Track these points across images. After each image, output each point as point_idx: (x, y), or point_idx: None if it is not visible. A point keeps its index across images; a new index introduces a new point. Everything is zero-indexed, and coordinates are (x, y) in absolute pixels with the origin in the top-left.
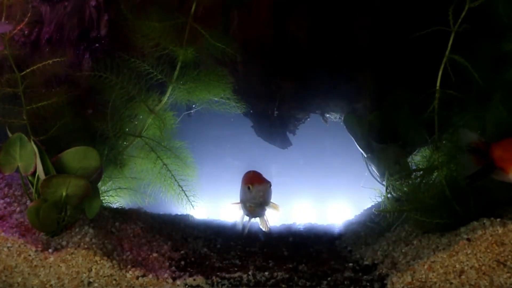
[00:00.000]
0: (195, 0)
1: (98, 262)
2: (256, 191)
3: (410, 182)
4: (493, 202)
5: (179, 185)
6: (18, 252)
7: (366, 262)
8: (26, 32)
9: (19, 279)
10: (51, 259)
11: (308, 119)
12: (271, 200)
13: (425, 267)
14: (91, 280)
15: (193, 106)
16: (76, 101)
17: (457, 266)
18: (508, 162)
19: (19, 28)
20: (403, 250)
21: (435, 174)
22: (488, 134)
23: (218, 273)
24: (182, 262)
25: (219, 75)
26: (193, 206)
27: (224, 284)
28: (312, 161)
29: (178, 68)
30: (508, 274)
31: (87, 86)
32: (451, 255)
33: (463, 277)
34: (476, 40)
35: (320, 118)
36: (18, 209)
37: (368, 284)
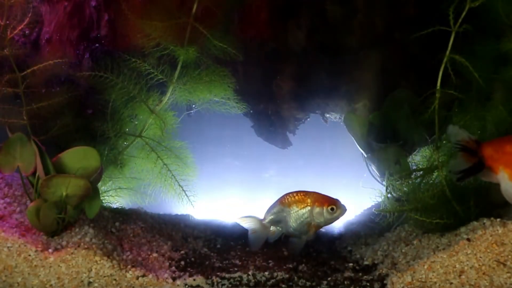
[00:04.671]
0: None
1: (98, 262)
2: (340, 211)
3: (410, 182)
4: (493, 203)
5: (179, 185)
6: (18, 252)
7: (366, 262)
8: (26, 32)
9: (19, 279)
10: (51, 259)
11: (308, 119)
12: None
13: (425, 267)
14: (91, 280)
15: (193, 106)
16: (76, 101)
17: (457, 266)
18: (497, 161)
19: (19, 28)
20: (403, 250)
21: (435, 174)
22: (488, 134)
23: (218, 273)
24: (182, 262)
25: (220, 75)
26: (193, 206)
27: (224, 284)
28: (312, 161)
29: (179, 68)
30: (508, 274)
31: (87, 86)
32: (451, 255)
33: (463, 277)
34: (476, 40)
35: (320, 118)
36: (18, 209)
37: (368, 284)
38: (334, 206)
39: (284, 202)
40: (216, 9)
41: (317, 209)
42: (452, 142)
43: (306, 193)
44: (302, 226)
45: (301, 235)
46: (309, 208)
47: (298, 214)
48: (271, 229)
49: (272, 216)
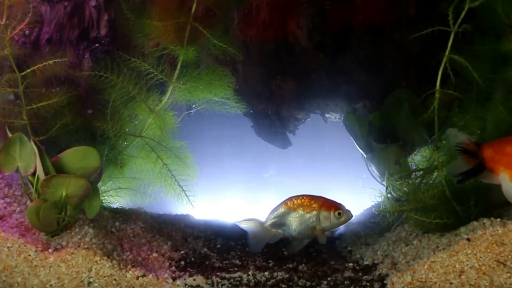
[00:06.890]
0: None
1: (98, 262)
2: (347, 216)
3: (410, 182)
4: (493, 203)
5: (179, 185)
6: (18, 252)
7: (366, 262)
8: (26, 32)
9: (19, 279)
10: (51, 259)
11: (308, 119)
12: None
13: (425, 267)
14: (91, 280)
15: (193, 106)
16: (76, 101)
17: (457, 266)
18: (498, 163)
19: (19, 28)
20: (403, 250)
21: (435, 174)
22: (488, 134)
23: (218, 273)
24: (182, 262)
25: (220, 74)
26: (193, 206)
27: (224, 284)
28: (312, 161)
29: (178, 67)
30: (508, 274)
31: (87, 86)
32: (451, 255)
33: (463, 277)
34: (476, 40)
35: (320, 118)
36: (18, 209)
37: (368, 284)
38: (341, 211)
39: (289, 205)
40: (216, 8)
41: (324, 214)
42: (451, 144)
43: (312, 197)
44: (306, 230)
45: (304, 239)
46: (315, 212)
47: (303, 218)
48: (272, 231)
49: (274, 219)
